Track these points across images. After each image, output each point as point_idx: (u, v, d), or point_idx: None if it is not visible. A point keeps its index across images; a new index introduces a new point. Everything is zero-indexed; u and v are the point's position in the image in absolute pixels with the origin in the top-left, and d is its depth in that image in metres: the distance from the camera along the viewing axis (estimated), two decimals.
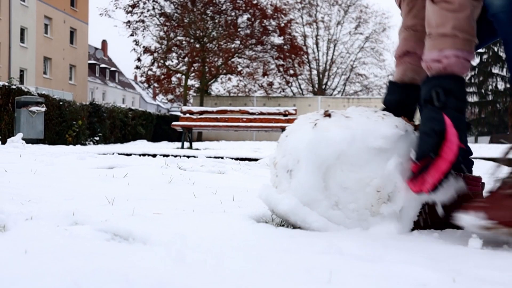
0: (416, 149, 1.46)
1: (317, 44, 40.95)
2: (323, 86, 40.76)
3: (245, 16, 29.48)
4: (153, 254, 1.12)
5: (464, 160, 1.59)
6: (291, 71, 33.06)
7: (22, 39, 34.41)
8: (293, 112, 11.84)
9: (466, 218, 1.33)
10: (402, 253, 1.22)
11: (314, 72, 41.21)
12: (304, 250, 1.21)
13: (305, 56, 36.90)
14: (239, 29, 29.14)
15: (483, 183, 1.67)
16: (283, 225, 1.64)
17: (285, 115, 11.81)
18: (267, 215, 1.77)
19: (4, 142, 9.57)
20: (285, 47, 30.72)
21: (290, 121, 11.75)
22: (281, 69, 32.55)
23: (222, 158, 6.20)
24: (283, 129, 11.60)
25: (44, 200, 2.11)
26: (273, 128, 11.64)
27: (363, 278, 0.95)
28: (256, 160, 5.61)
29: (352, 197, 1.50)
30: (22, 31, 34.42)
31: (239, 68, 30.86)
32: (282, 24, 30.16)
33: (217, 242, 1.28)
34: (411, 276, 0.99)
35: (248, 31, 29.55)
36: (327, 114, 1.60)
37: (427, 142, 1.43)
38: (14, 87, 12.98)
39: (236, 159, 6.07)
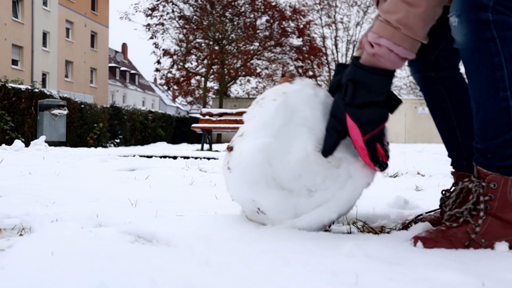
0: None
1: (336, 45, 40.75)
2: None
3: (264, 18, 29.51)
4: (178, 257, 1.12)
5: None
6: (310, 73, 32.97)
7: (44, 43, 34.91)
8: None
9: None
10: (429, 256, 1.20)
11: (334, 73, 41.02)
12: (329, 252, 1.20)
13: (324, 57, 36.75)
14: (258, 31, 29.18)
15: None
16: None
17: None
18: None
19: (27, 145, 9.71)
20: (304, 48, 30.66)
21: None
22: (300, 70, 32.48)
23: None
24: None
25: (68, 202, 2.13)
26: None
27: (390, 282, 0.94)
28: None
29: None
30: (44, 35, 34.92)
31: (258, 70, 30.91)
32: (301, 26, 30.12)
33: (241, 245, 1.27)
34: (440, 279, 0.97)
35: (267, 33, 29.57)
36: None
37: (329, 141, 1.50)
38: (37, 90, 13.17)
39: None
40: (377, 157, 1.50)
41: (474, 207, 1.37)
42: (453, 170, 1.74)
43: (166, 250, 1.23)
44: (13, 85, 12.60)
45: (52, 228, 1.48)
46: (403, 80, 42.50)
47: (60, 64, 36.78)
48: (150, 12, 28.32)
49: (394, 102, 1.54)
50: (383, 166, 1.52)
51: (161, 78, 30.21)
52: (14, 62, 31.89)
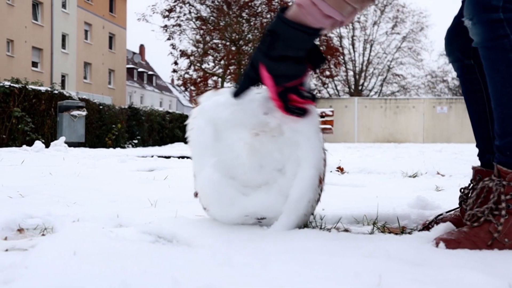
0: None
1: (353, 44, 40.58)
2: (360, 87, 40.34)
3: None
4: (198, 257, 1.12)
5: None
6: (327, 73, 32.83)
7: (63, 45, 35.34)
8: (330, 113, 11.74)
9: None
10: (452, 257, 1.18)
11: (351, 73, 40.82)
12: (350, 253, 1.19)
13: (341, 57, 36.58)
14: None
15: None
16: (329, 229, 1.62)
17: (322, 116, 11.73)
18: (310, 218, 1.75)
19: (47, 146, 9.83)
20: (321, 48, 30.54)
21: (327, 122, 11.66)
22: (317, 70, 32.38)
23: None
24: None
25: (88, 203, 2.15)
26: None
27: (414, 283, 0.92)
28: None
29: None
30: (64, 37, 35.36)
31: None
32: None
33: (262, 245, 1.27)
34: (464, 280, 0.95)
35: None
36: None
37: (241, 85, 1.53)
38: (56, 92, 13.33)
39: None
40: (291, 107, 1.49)
41: (496, 206, 1.36)
42: (479, 162, 1.72)
43: (187, 250, 1.23)
44: (33, 87, 12.77)
45: (74, 228, 1.49)
46: (421, 79, 42.18)
47: (79, 65, 37.19)
48: (167, 13, 28.46)
49: (318, 59, 1.51)
50: (300, 113, 1.50)
51: (178, 79, 30.33)
52: (34, 64, 32.34)
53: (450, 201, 2.13)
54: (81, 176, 3.40)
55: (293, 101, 1.48)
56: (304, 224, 1.57)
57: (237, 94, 1.53)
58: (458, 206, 1.71)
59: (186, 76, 29.84)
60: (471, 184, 1.66)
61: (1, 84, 11.98)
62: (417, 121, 25.64)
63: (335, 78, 37.99)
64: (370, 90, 41.80)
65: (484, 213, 1.36)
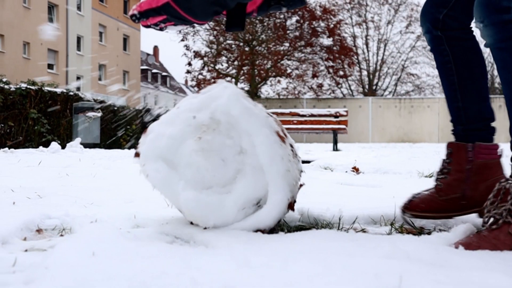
0: None
1: (367, 44, 40.36)
2: (374, 87, 40.11)
3: (294, 18, 29.45)
4: (217, 257, 1.12)
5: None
6: (341, 72, 32.76)
7: (78, 47, 35.66)
8: (344, 113, 11.68)
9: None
10: (472, 258, 1.16)
11: (364, 72, 40.60)
12: (369, 254, 1.18)
13: (355, 57, 36.45)
14: (288, 32, 29.13)
15: (501, 150, 1.66)
16: (346, 230, 1.61)
17: (336, 116, 11.68)
18: (327, 218, 1.74)
19: (63, 147, 9.91)
20: (334, 48, 30.47)
21: (341, 122, 11.61)
22: (330, 70, 32.29)
23: None
24: (334, 130, 11.49)
25: (105, 203, 2.16)
26: (324, 130, 11.53)
27: (436, 284, 0.91)
28: (308, 162, 5.56)
29: None
30: (79, 39, 35.68)
31: (289, 70, 30.83)
32: (331, 25, 29.95)
33: (280, 245, 1.27)
34: (487, 282, 0.94)
35: (297, 33, 29.50)
36: None
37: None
38: (71, 93, 13.45)
39: None
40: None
41: None
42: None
43: (205, 250, 1.23)
44: (49, 89, 12.90)
45: (92, 229, 1.49)
46: (435, 78, 41.76)
47: (93, 67, 37.48)
48: None
49: (239, 19, 1.49)
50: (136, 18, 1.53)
51: (192, 80, 30.46)
52: (50, 66, 32.66)
53: None
54: (97, 177, 3.42)
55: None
56: (298, 181, 1.56)
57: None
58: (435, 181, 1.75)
59: (200, 77, 29.96)
60: (443, 160, 1.71)
61: (18, 86, 12.12)
62: (432, 120, 25.42)
63: (349, 78, 37.85)
64: (384, 90, 41.56)
65: (502, 215, 1.35)
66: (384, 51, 40.56)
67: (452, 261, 1.14)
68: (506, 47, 1.38)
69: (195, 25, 1.53)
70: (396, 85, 41.66)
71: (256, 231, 1.46)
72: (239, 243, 1.31)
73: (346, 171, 4.42)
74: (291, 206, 1.51)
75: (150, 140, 1.59)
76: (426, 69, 62.49)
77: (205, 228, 1.52)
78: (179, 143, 1.55)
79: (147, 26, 1.55)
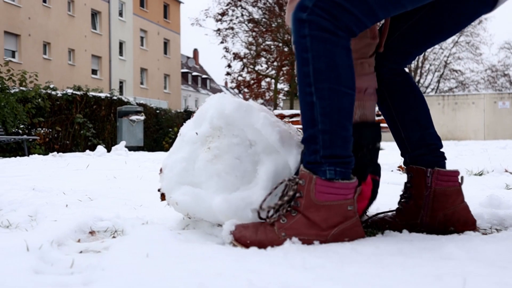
0: None
1: None
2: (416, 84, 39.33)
3: None
4: (271, 259, 1.11)
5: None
6: None
7: (120, 52, 36.43)
8: None
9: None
10: None
11: (406, 70, 39.89)
12: (428, 254, 1.14)
13: None
14: None
15: (462, 177, 1.61)
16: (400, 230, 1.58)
17: (378, 115, 11.50)
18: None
19: (108, 150, 10.14)
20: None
21: (383, 121, 11.43)
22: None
23: None
24: None
25: (153, 205, 2.18)
26: None
27: (502, 286, 0.87)
28: None
29: None
30: (121, 44, 36.44)
31: None
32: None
33: (332, 247, 1.25)
34: None
35: None
36: None
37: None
38: (115, 98, 13.75)
39: None
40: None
41: None
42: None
43: (258, 252, 1.22)
44: (94, 94, 13.23)
45: (144, 230, 1.52)
46: (480, 74, 40.67)
47: (135, 71, 38.20)
48: (220, 17, 28.81)
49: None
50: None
51: (232, 82, 30.62)
52: (94, 71, 33.49)
53: None
54: (143, 179, 3.47)
55: None
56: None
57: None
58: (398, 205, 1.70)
59: (240, 78, 30.08)
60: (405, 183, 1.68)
61: (65, 92, 12.48)
62: (477, 117, 24.74)
63: None
64: (427, 87, 40.69)
65: None
66: None
67: None
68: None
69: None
70: (438, 81, 40.77)
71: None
72: (291, 244, 1.29)
73: (392, 170, 4.34)
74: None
75: (167, 174, 1.65)
76: (470, 65, 60.96)
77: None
78: (193, 161, 1.61)
79: None
